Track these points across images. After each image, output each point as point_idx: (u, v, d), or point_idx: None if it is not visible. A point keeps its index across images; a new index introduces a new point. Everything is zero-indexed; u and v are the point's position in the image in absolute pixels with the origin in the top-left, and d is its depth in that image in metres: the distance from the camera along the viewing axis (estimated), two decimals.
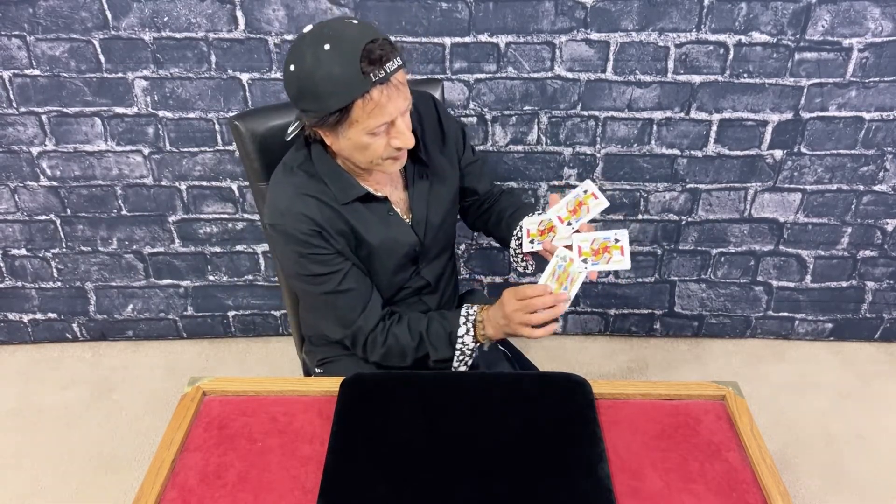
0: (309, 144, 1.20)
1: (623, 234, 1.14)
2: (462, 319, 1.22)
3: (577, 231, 1.18)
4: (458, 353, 1.22)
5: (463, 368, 1.24)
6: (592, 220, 1.19)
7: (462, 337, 1.21)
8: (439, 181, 1.30)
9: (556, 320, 1.14)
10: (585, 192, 1.19)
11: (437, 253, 1.35)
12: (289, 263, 1.22)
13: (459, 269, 2.16)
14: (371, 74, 1.01)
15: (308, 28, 1.05)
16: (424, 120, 1.28)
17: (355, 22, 1.04)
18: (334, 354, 1.41)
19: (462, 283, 2.17)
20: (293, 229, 1.16)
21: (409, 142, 1.10)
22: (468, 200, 1.44)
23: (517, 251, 1.31)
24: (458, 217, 1.47)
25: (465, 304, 1.24)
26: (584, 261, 1.14)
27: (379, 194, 1.22)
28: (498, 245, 2.04)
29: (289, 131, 1.16)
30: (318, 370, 1.43)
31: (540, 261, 1.26)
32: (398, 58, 1.05)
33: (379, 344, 1.24)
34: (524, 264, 1.33)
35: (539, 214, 1.28)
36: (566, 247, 1.17)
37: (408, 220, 1.27)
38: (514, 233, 1.32)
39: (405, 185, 1.28)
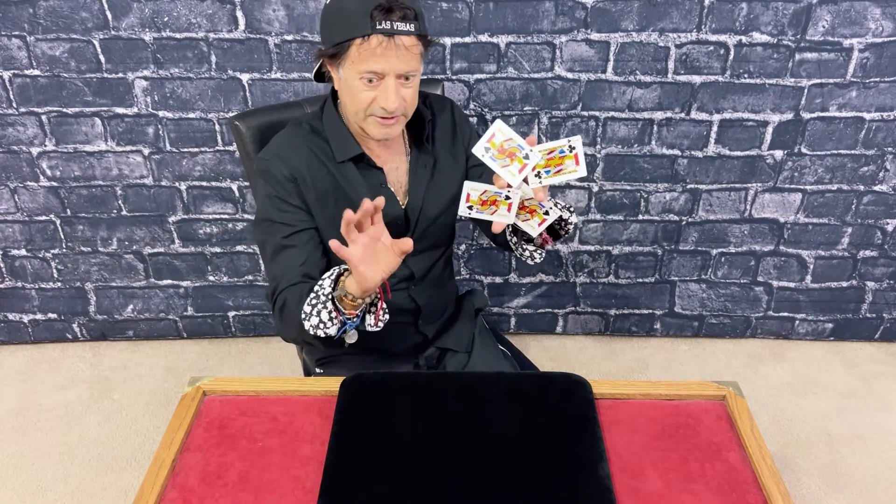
0: (324, 104, 1.26)
1: (577, 141, 1.03)
2: (335, 269, 1.12)
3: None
4: (312, 295, 1.10)
5: (315, 320, 1.09)
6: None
7: (323, 280, 1.10)
8: (441, 176, 1.32)
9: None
10: (569, 149, 1.02)
11: (428, 247, 1.35)
12: (258, 206, 1.25)
13: (459, 269, 2.16)
14: (377, 21, 1.06)
15: None
16: (438, 118, 1.32)
17: None
18: (334, 353, 1.41)
19: (462, 282, 2.17)
20: (275, 168, 1.20)
21: (391, 105, 1.12)
22: None
23: (514, 241, 1.26)
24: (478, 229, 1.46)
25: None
26: (538, 175, 1.03)
27: (377, 165, 1.25)
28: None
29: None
30: (318, 370, 1.43)
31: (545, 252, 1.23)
32: (413, 25, 1.09)
33: (280, 299, 1.18)
34: (527, 253, 1.30)
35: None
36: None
37: (402, 204, 1.29)
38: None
39: (408, 171, 1.30)
